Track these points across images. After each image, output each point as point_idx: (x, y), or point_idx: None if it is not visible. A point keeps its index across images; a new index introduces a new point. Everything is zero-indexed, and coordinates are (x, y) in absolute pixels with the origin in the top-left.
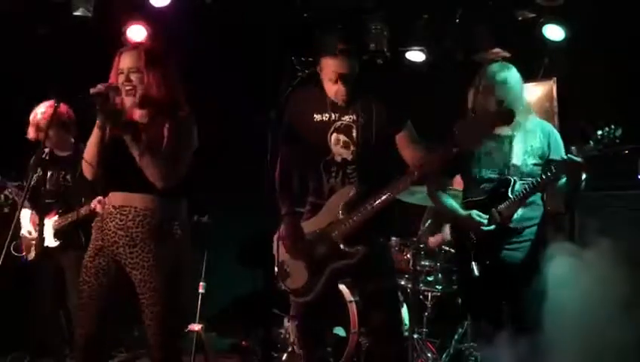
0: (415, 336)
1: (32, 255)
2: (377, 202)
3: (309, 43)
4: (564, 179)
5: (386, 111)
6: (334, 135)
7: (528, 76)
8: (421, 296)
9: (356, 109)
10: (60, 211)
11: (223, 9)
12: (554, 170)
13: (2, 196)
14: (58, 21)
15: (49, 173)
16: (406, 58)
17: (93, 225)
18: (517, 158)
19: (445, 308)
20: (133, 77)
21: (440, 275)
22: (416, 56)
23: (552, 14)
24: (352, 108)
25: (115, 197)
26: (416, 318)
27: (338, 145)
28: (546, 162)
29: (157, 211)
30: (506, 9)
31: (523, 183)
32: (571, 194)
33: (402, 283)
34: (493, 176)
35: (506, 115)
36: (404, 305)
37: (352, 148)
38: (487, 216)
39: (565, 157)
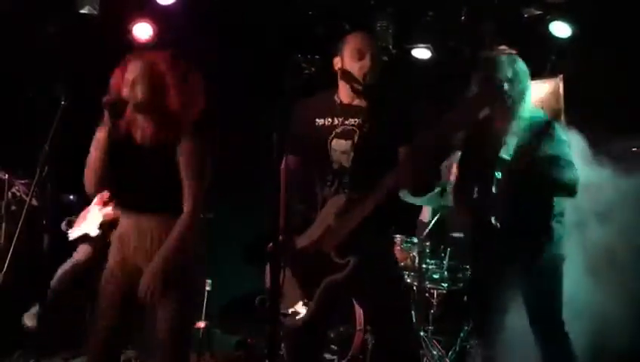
0: (421, 334)
1: (73, 235)
2: (365, 206)
3: (314, 41)
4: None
5: (395, 121)
6: (334, 140)
7: (535, 73)
8: (427, 294)
9: (363, 112)
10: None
11: (227, 7)
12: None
13: (10, 194)
14: (64, 19)
15: None
16: (412, 55)
17: (112, 237)
18: (506, 153)
19: (451, 305)
20: (139, 88)
21: (446, 273)
22: (421, 53)
23: (559, 11)
24: (358, 111)
25: (131, 219)
26: (423, 316)
27: (337, 152)
28: None
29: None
30: (512, 6)
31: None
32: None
33: (408, 280)
34: (484, 173)
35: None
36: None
37: (350, 154)
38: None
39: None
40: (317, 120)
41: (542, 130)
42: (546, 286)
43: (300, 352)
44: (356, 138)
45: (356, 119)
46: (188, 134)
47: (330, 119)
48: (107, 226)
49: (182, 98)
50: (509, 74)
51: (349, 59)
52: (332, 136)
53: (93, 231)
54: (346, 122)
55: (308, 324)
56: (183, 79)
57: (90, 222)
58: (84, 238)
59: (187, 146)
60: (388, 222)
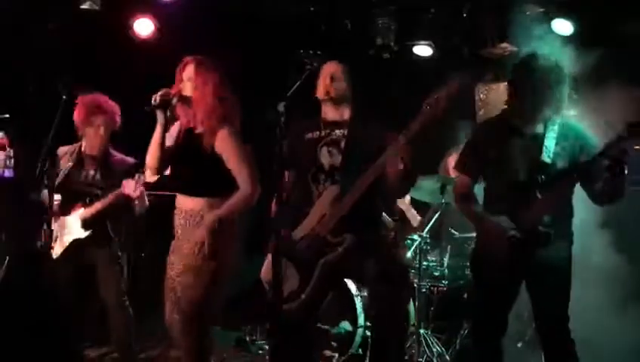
0: (421, 331)
1: (56, 251)
2: (356, 189)
3: (317, 36)
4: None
5: (377, 126)
6: (324, 148)
7: None
8: (427, 291)
9: (346, 125)
10: (88, 201)
11: (228, 2)
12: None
13: None
14: (65, 14)
15: (78, 171)
16: (413, 52)
17: (175, 222)
18: (548, 158)
19: (451, 303)
20: (189, 85)
21: (446, 271)
22: (423, 50)
23: (560, 9)
24: (343, 124)
25: (185, 201)
26: (423, 313)
27: (327, 156)
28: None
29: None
30: (514, 3)
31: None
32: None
33: None
34: (521, 177)
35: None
36: (410, 300)
37: (339, 156)
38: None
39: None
40: (307, 134)
41: (577, 134)
42: (561, 286)
43: (296, 331)
44: (343, 143)
45: (341, 130)
46: (224, 124)
47: (318, 132)
48: (90, 223)
49: (224, 94)
50: (548, 64)
51: (322, 80)
52: (321, 144)
53: (82, 234)
54: (332, 133)
55: (307, 304)
56: (222, 80)
57: (70, 228)
58: (71, 249)
59: (223, 134)
60: (378, 208)
